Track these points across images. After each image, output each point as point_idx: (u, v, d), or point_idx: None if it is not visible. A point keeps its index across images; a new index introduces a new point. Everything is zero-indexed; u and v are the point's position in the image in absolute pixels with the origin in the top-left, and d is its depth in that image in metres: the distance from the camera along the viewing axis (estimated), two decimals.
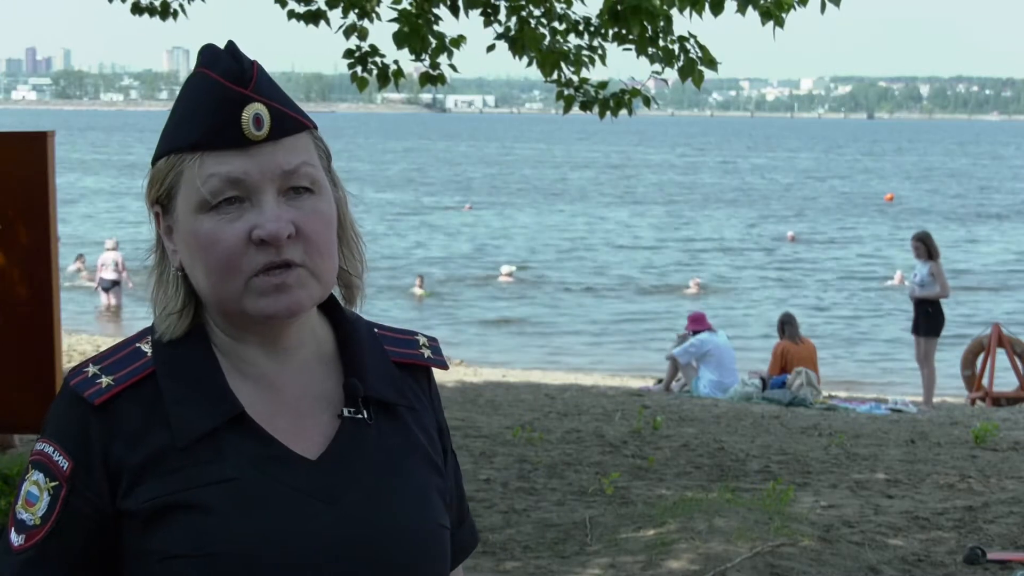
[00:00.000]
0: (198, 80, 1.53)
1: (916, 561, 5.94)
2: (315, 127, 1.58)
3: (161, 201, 1.55)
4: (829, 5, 7.03)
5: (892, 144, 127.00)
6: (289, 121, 1.53)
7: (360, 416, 1.57)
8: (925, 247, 13.07)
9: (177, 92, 1.60)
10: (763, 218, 40.42)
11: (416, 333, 1.72)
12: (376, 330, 1.67)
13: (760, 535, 5.97)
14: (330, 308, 1.63)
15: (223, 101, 1.50)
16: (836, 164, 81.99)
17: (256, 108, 1.50)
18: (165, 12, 9.16)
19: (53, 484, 1.50)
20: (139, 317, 21.09)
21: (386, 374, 1.62)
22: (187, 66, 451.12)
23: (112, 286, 21.26)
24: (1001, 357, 13.68)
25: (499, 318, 21.59)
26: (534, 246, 32.12)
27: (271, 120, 1.51)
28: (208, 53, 1.54)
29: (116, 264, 21.24)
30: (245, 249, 1.48)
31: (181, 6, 9.24)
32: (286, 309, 1.50)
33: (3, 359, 7.68)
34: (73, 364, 12.54)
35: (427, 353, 1.69)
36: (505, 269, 26.07)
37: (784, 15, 7.20)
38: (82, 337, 16.51)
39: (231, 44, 1.55)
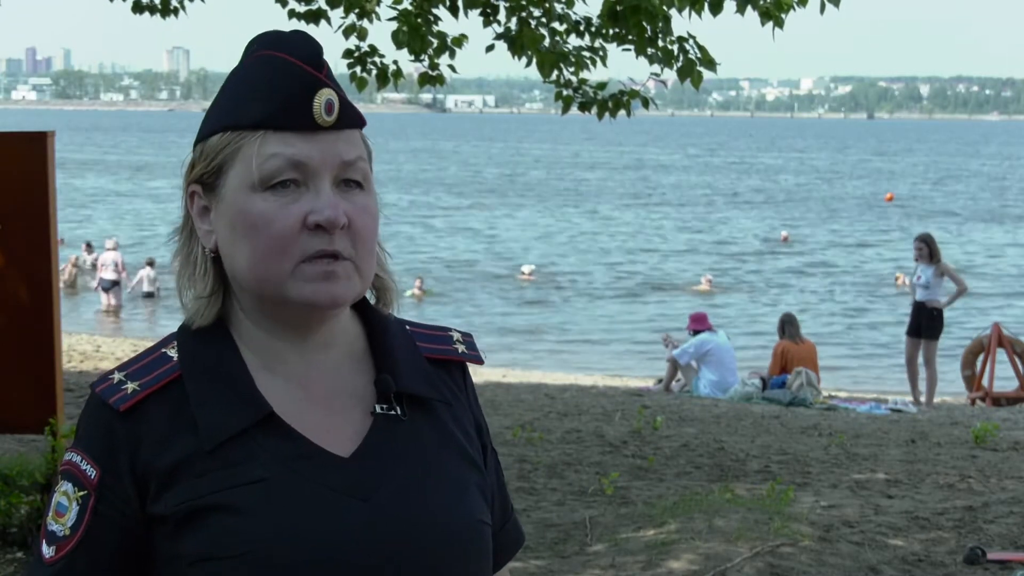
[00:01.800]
0: (265, 60, 1.51)
1: (916, 561, 5.93)
2: (365, 125, 1.57)
3: (204, 179, 1.52)
4: (829, 5, 7.03)
5: (900, 144, 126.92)
6: (353, 113, 1.52)
7: (393, 412, 1.55)
8: (928, 249, 13.08)
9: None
10: (786, 220, 40.18)
11: (450, 329, 1.70)
12: (408, 327, 1.65)
13: (760, 535, 5.98)
14: (360, 306, 1.61)
15: (297, 82, 1.48)
16: (849, 165, 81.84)
17: (328, 94, 1.49)
18: (166, 10, 9.16)
19: (82, 493, 1.49)
20: (139, 317, 21.12)
21: (419, 369, 1.60)
22: (187, 66, 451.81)
23: (112, 286, 21.27)
24: (1001, 357, 13.68)
25: (512, 318, 21.66)
26: (551, 246, 32.18)
27: (340, 108, 1.50)
28: (275, 36, 1.53)
29: (116, 264, 21.25)
30: (298, 234, 1.47)
31: (181, 3, 9.24)
32: (329, 299, 1.49)
33: (3, 359, 7.68)
34: (73, 364, 12.54)
35: (461, 348, 1.67)
36: (526, 268, 26.22)
37: (784, 15, 7.20)
38: (82, 337, 16.48)
39: (299, 31, 1.54)
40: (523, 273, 25.98)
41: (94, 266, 23.79)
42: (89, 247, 24.93)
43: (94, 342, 15.76)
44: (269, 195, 1.47)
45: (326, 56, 1.54)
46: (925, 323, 13.11)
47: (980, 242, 34.73)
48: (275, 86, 1.48)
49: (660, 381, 13.80)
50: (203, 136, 1.53)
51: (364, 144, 1.55)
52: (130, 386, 1.51)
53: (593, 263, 28.93)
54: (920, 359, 13.32)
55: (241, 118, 1.49)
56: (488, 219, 39.60)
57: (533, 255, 29.58)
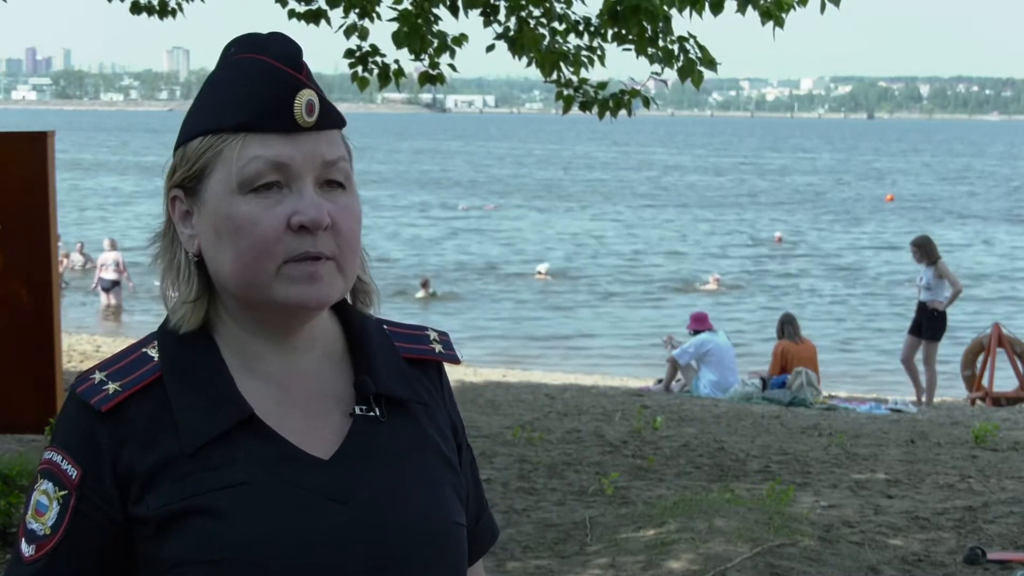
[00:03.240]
0: (245, 63, 1.50)
1: (916, 561, 5.93)
2: (346, 125, 1.57)
3: (185, 183, 1.52)
4: (829, 5, 7.03)
5: (908, 144, 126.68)
6: (334, 113, 1.52)
7: (372, 414, 1.55)
8: (922, 252, 13.07)
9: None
10: (813, 221, 39.96)
11: (426, 328, 1.70)
12: (386, 327, 1.65)
13: (760, 535, 5.97)
14: (339, 306, 1.61)
15: (277, 84, 1.48)
16: (860, 165, 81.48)
17: (309, 94, 1.49)
18: (164, 11, 9.16)
19: (62, 493, 1.49)
20: (139, 317, 21.12)
21: (397, 371, 1.60)
22: (187, 66, 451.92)
23: (112, 286, 21.26)
24: (1001, 357, 13.68)
25: (522, 318, 21.72)
26: (565, 246, 32.25)
27: (320, 109, 1.50)
28: (253, 39, 1.53)
29: (116, 264, 21.24)
30: (282, 235, 1.47)
31: (179, 4, 9.24)
32: (315, 299, 1.49)
33: (3, 359, 7.68)
34: (73, 364, 12.54)
35: (438, 348, 1.67)
36: (542, 267, 26.39)
37: (784, 15, 7.20)
38: (82, 337, 16.50)
39: (278, 32, 1.54)
40: (539, 272, 26.10)
41: (84, 268, 23.90)
42: (83, 252, 24.99)
43: (94, 342, 15.77)
44: (252, 197, 1.47)
45: (326, 56, 1.54)
46: (926, 324, 13.12)
47: (990, 243, 34.71)
48: (255, 88, 1.48)
49: (660, 381, 13.80)
50: (183, 140, 1.53)
51: (345, 144, 1.55)
52: (111, 386, 1.50)
53: (606, 263, 28.98)
54: (919, 358, 13.32)
55: (221, 121, 1.49)
56: (503, 219, 39.68)
57: (548, 254, 29.66)
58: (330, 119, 1.51)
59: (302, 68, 1.50)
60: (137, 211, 40.06)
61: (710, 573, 5.50)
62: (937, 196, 53.22)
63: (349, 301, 1.62)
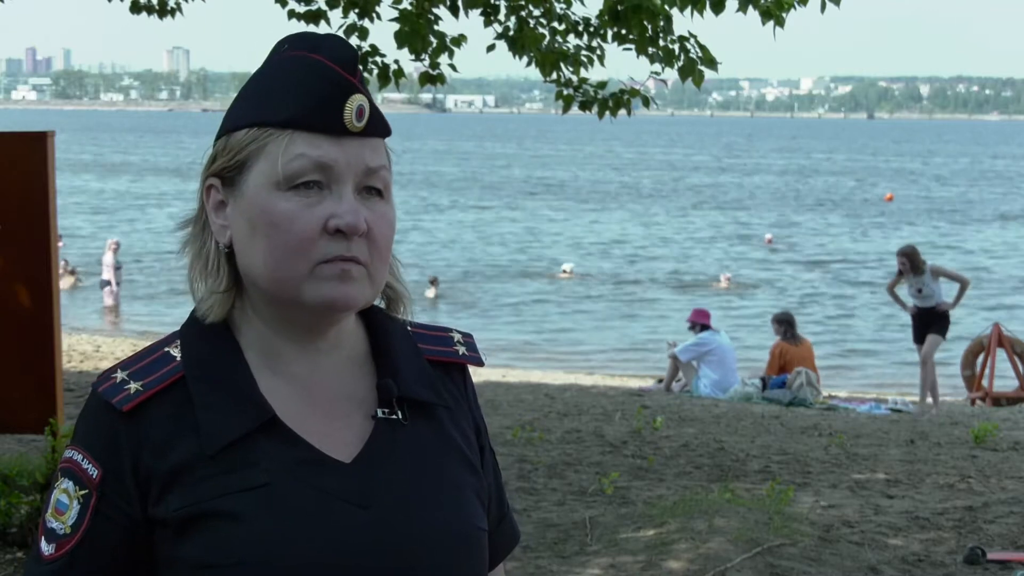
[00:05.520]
0: (299, 61, 1.50)
1: (916, 561, 5.94)
2: (390, 134, 1.57)
3: (224, 173, 1.51)
4: (829, 5, 7.03)
5: (916, 145, 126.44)
6: (382, 122, 1.52)
7: (395, 417, 1.54)
8: (912, 262, 13.01)
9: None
10: (865, 225, 39.86)
11: (451, 330, 1.69)
12: (410, 328, 1.64)
13: (760, 535, 5.98)
14: (364, 309, 1.60)
15: (331, 85, 1.48)
16: (876, 166, 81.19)
17: (360, 99, 1.49)
18: (163, 10, 9.15)
19: (83, 492, 1.48)
20: (139, 317, 21.14)
21: (420, 373, 1.59)
22: (187, 66, 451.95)
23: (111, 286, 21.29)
24: (1001, 357, 13.68)
25: (533, 317, 21.82)
26: (585, 246, 32.36)
27: (370, 115, 1.50)
28: (311, 38, 1.52)
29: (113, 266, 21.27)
30: (318, 236, 1.46)
31: (179, 4, 9.22)
32: (344, 300, 1.48)
33: (3, 359, 7.68)
34: (73, 364, 12.54)
35: (462, 350, 1.66)
36: (567, 266, 26.50)
37: (784, 15, 7.20)
38: (82, 337, 16.48)
39: (335, 35, 1.54)
40: (564, 271, 26.15)
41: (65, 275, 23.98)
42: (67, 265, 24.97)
43: (94, 342, 15.76)
44: (292, 195, 1.47)
45: None
46: (935, 322, 12.90)
47: (989, 243, 34.73)
48: (308, 87, 1.48)
49: (660, 381, 13.80)
50: (228, 130, 1.52)
51: (387, 154, 1.55)
52: (133, 386, 1.49)
53: (622, 263, 29.02)
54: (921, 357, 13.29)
55: (270, 115, 1.49)
56: (522, 219, 39.75)
57: (569, 255, 29.77)
58: (377, 127, 1.51)
59: (356, 73, 1.50)
60: (171, 212, 39.96)
61: (710, 573, 5.50)
62: (967, 198, 52.96)
63: (384, 307, 1.61)
